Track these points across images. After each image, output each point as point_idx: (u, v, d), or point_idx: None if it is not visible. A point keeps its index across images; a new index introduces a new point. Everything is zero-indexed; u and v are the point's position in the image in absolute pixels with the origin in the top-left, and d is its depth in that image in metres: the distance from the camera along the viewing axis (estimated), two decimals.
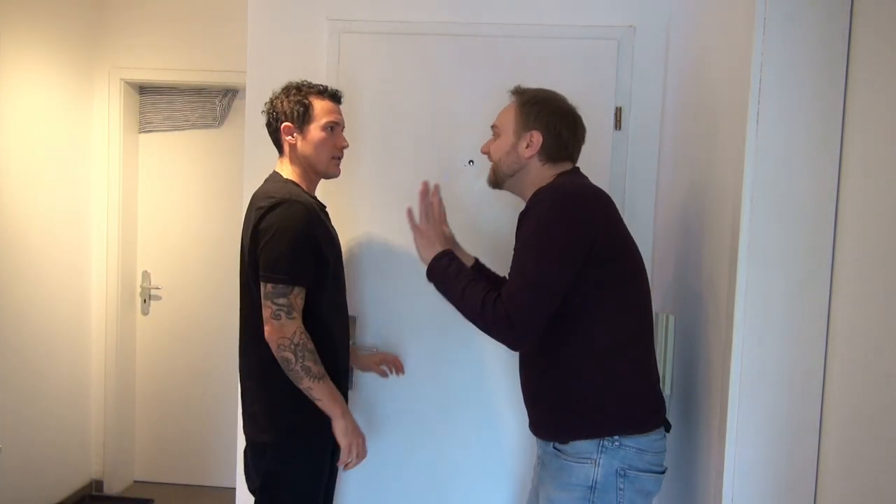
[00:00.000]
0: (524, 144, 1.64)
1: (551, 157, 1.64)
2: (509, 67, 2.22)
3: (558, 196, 1.53)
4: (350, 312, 2.28)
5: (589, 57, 2.21)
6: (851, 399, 1.25)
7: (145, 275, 3.60)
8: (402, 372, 2.23)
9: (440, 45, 2.26)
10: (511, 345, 1.55)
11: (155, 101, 3.55)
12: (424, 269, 1.68)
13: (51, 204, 3.13)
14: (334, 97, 1.93)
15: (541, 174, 1.65)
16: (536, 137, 1.63)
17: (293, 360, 1.71)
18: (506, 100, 1.72)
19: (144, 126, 3.57)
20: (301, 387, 1.73)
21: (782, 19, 1.32)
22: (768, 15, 1.33)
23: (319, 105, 1.87)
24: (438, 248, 1.67)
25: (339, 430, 1.78)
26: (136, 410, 3.63)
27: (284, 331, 1.71)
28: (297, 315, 1.73)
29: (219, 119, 3.50)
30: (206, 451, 3.59)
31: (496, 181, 1.72)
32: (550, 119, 1.64)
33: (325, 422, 1.79)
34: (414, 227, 1.72)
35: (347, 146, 1.94)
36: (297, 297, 1.73)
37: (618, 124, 2.22)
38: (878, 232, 1.18)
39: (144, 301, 3.61)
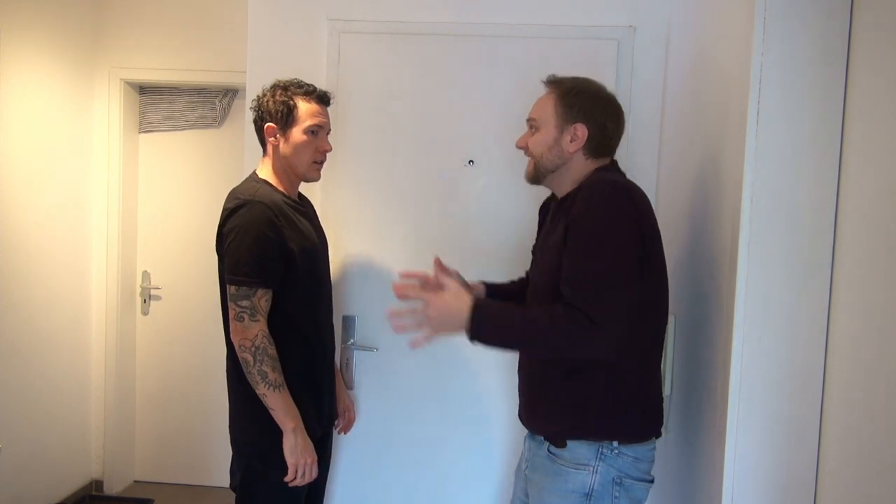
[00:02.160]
0: (568, 138, 1.55)
1: (595, 151, 1.57)
2: (509, 67, 2.22)
3: (614, 190, 1.46)
4: (350, 312, 2.29)
5: (589, 57, 2.21)
6: (851, 399, 1.24)
7: (145, 275, 3.60)
8: (344, 431, 2.17)
9: (440, 45, 2.25)
10: (604, 348, 1.38)
11: (155, 101, 3.55)
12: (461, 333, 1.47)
13: (51, 204, 3.13)
14: (322, 99, 1.88)
15: (583, 169, 1.57)
16: (581, 131, 1.54)
17: (251, 363, 1.71)
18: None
19: (144, 126, 3.57)
20: (257, 392, 1.72)
21: (782, 19, 1.32)
22: (768, 14, 1.33)
23: (305, 107, 1.84)
24: (465, 305, 1.45)
25: (288, 447, 1.74)
26: (136, 410, 3.63)
27: (246, 333, 1.71)
28: (262, 318, 1.72)
29: (219, 119, 3.50)
30: (206, 451, 3.59)
31: (536, 177, 1.62)
32: (594, 110, 1.56)
33: (306, 420, 1.79)
34: (422, 312, 1.48)
35: (330, 150, 1.91)
36: (262, 299, 1.72)
37: None
38: (878, 232, 1.18)
39: (144, 301, 3.60)
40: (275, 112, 1.83)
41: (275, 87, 1.86)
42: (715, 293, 1.58)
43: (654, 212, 1.54)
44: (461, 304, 1.46)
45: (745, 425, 1.38)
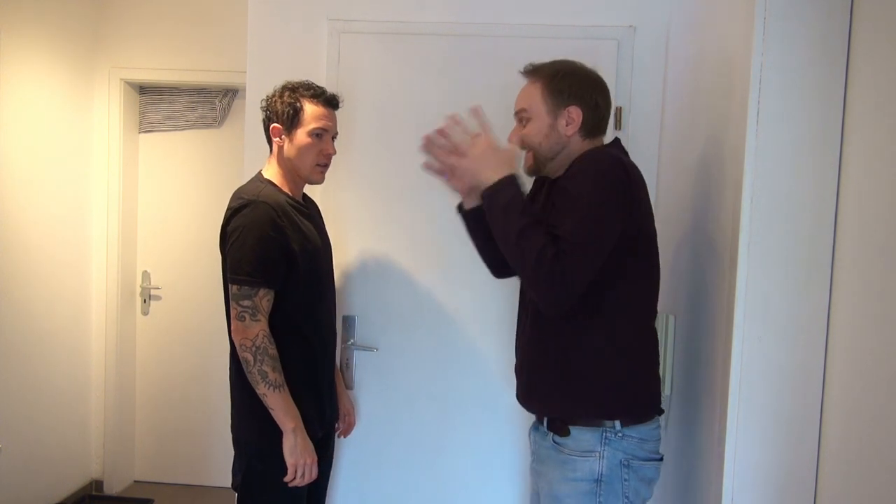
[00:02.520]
0: (563, 122, 1.55)
1: (591, 130, 1.57)
2: (509, 67, 2.20)
3: (604, 158, 1.48)
4: (349, 312, 2.29)
5: (589, 57, 2.19)
6: (851, 399, 1.25)
7: (145, 275, 3.60)
8: (344, 435, 2.18)
9: (440, 45, 2.25)
10: (554, 304, 1.41)
11: (155, 101, 3.55)
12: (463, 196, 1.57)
13: (51, 204, 3.13)
14: (329, 102, 1.88)
15: (581, 150, 1.57)
16: (576, 112, 1.54)
17: (251, 363, 1.71)
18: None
19: (144, 126, 3.57)
20: (257, 392, 1.73)
21: (782, 19, 1.32)
22: (768, 14, 1.33)
23: (311, 109, 1.83)
24: (507, 168, 1.46)
25: (288, 447, 1.74)
26: (136, 410, 3.63)
27: (247, 332, 1.71)
28: (263, 317, 1.73)
29: (219, 119, 3.50)
30: (206, 451, 3.59)
31: (536, 168, 1.61)
32: (584, 91, 1.56)
33: (307, 421, 1.80)
34: (469, 143, 1.48)
35: (334, 154, 1.90)
36: (263, 299, 1.73)
37: (618, 124, 2.22)
38: (878, 232, 1.18)
39: (144, 301, 3.60)
40: (281, 113, 1.83)
41: (284, 87, 1.86)
42: (715, 293, 1.58)
43: (654, 208, 1.55)
44: (506, 163, 1.46)
45: (745, 425, 1.38)
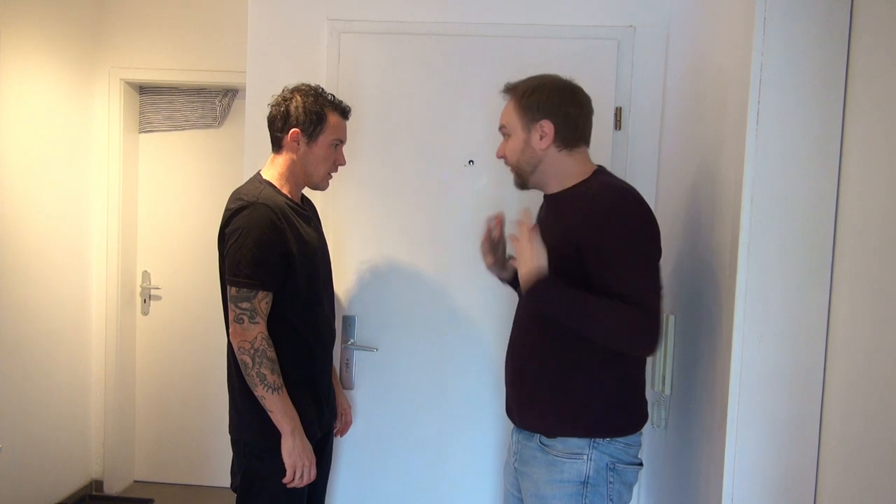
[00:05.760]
0: (537, 136, 1.59)
1: (567, 141, 1.59)
2: (509, 67, 2.20)
3: (628, 197, 1.53)
4: (349, 312, 2.29)
5: (589, 57, 2.21)
6: (851, 399, 1.24)
7: (145, 275, 3.60)
8: (341, 434, 2.17)
9: (440, 45, 2.26)
10: (651, 351, 1.50)
11: (155, 101, 3.55)
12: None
13: (51, 204, 3.13)
14: (345, 113, 1.91)
15: (562, 162, 1.60)
16: (547, 126, 1.58)
17: (250, 365, 1.71)
18: (505, 100, 1.71)
19: (144, 126, 3.57)
20: (256, 394, 1.73)
21: (782, 18, 1.32)
22: (768, 14, 1.33)
23: (333, 119, 1.85)
24: (536, 269, 1.49)
25: (286, 448, 1.74)
26: (136, 410, 3.63)
27: (246, 335, 1.71)
28: (261, 320, 1.73)
29: (219, 119, 3.50)
30: (206, 451, 3.59)
31: (521, 182, 1.66)
32: (553, 102, 1.58)
33: (306, 422, 1.80)
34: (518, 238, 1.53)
35: (345, 165, 1.93)
36: (262, 301, 1.73)
37: (618, 124, 2.22)
38: (877, 232, 1.18)
39: (144, 301, 3.61)
40: (304, 118, 1.82)
41: (305, 91, 1.85)
42: (715, 293, 1.58)
43: (654, 209, 1.60)
44: (535, 264, 1.49)
45: (744, 425, 1.38)
